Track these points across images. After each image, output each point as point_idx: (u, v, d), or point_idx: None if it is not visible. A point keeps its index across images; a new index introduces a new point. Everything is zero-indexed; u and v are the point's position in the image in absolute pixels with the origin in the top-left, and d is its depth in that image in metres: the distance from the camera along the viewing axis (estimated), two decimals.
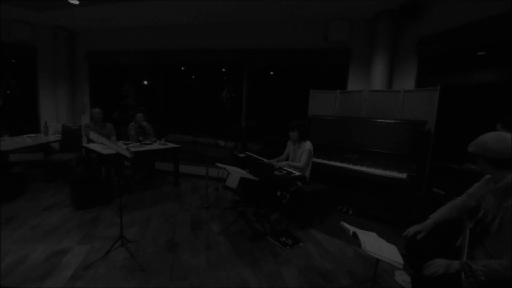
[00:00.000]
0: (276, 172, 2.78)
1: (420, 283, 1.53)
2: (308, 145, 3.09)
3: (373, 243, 1.74)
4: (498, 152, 1.24)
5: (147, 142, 4.15)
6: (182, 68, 5.59)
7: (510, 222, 1.19)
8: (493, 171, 1.31)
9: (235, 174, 2.73)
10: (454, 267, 1.24)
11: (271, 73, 5.17)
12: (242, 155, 3.59)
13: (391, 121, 3.10)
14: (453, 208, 1.63)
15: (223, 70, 5.47)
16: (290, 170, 2.94)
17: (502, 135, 1.27)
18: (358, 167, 3.18)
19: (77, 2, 3.81)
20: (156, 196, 3.81)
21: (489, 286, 1.17)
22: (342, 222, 2.03)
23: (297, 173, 2.84)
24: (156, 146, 4.04)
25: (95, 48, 5.20)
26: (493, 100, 2.83)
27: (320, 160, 3.47)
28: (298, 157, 3.14)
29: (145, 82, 5.75)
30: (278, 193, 3.50)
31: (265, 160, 3.32)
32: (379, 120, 3.19)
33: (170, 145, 4.16)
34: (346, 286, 2.01)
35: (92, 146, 3.63)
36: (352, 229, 1.88)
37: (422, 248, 1.55)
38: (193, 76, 5.88)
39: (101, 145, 3.36)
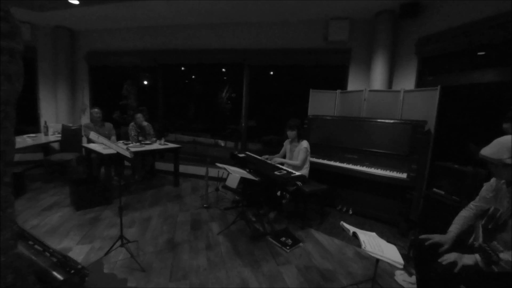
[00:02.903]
0: (276, 172, 2.78)
1: (426, 279, 1.56)
2: (305, 143, 3.15)
3: (373, 243, 1.74)
4: None
5: (147, 142, 4.15)
6: (182, 68, 5.59)
7: None
8: None
9: (235, 174, 2.73)
10: (467, 259, 1.33)
11: (271, 73, 5.17)
12: (242, 155, 3.59)
13: (391, 121, 3.11)
14: (468, 218, 1.64)
15: (223, 70, 5.47)
16: (289, 170, 2.95)
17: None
18: (358, 167, 3.18)
19: (77, 2, 3.81)
20: (156, 196, 3.81)
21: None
22: (342, 222, 2.03)
23: (297, 173, 2.83)
24: (156, 146, 4.04)
25: (95, 48, 5.19)
26: (493, 100, 2.83)
27: (320, 160, 3.47)
28: (295, 155, 3.21)
29: (145, 82, 5.75)
30: (278, 193, 3.50)
31: (260, 157, 3.39)
32: (379, 120, 3.19)
33: (170, 145, 4.16)
34: (346, 286, 2.01)
35: (92, 146, 3.63)
36: (352, 229, 1.88)
37: (429, 247, 1.55)
38: (193, 76, 5.88)
39: (101, 145, 3.36)
